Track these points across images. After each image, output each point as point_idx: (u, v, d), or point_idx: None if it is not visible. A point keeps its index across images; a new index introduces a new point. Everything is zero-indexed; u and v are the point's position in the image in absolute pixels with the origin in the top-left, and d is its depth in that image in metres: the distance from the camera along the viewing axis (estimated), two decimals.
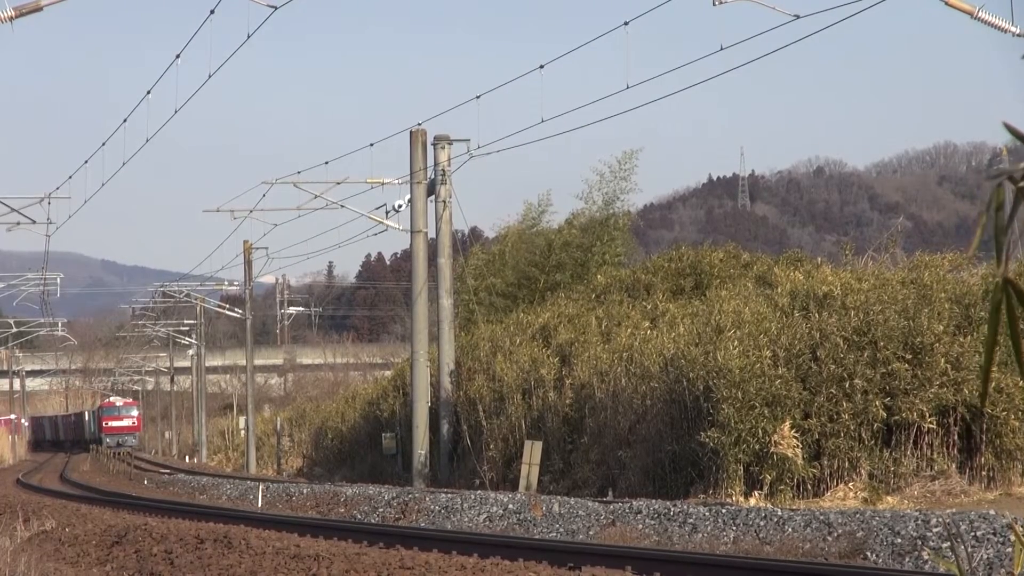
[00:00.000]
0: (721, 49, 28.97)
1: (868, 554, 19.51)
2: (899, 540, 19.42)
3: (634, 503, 26.05)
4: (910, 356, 30.92)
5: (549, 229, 56.51)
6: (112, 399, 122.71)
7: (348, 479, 49.21)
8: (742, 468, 30.47)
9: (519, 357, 42.10)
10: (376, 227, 48.44)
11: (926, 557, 17.82)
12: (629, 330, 38.71)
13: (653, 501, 26.44)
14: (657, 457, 33.34)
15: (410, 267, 46.55)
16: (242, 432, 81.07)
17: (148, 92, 36.33)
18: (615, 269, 50.90)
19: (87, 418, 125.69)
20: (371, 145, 45.62)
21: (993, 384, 29.41)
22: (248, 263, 73.31)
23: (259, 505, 40.07)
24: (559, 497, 29.29)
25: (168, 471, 68.26)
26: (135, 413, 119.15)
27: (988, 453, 30.21)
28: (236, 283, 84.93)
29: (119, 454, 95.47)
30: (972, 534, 18.68)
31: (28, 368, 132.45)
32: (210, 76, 32.56)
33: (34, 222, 51.39)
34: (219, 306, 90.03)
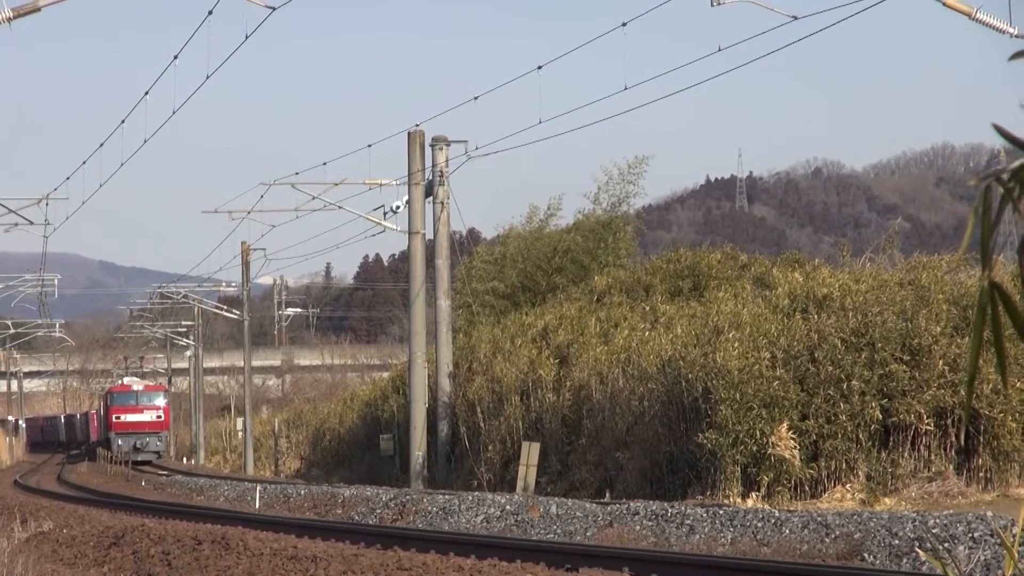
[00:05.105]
0: (719, 50, 29.04)
1: (865, 555, 19.51)
2: (896, 541, 19.43)
3: (632, 504, 26.05)
4: (908, 358, 30.93)
5: (554, 232, 56.65)
6: (126, 381, 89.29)
7: (346, 480, 49.21)
8: (740, 469, 30.48)
9: (518, 358, 42.11)
10: (374, 228, 48.50)
11: (923, 558, 17.83)
12: (627, 331, 38.73)
13: (651, 502, 26.44)
14: (655, 458, 33.35)
15: (408, 268, 46.57)
16: (240, 433, 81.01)
17: (146, 93, 36.39)
18: (615, 270, 51.00)
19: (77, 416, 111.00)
20: (369, 146, 45.74)
21: (991, 385, 29.42)
22: (246, 264, 73.34)
23: (257, 506, 40.07)
24: (557, 498, 29.29)
25: (165, 472, 68.20)
26: (161, 402, 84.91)
27: (985, 455, 30.22)
28: (234, 284, 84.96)
29: (123, 457, 72.60)
30: (969, 535, 18.69)
31: (26, 369, 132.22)
32: (208, 77, 32.63)
33: (32, 223, 51.44)
34: (217, 307, 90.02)
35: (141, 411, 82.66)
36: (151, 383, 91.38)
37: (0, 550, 20.43)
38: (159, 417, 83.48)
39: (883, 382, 30.76)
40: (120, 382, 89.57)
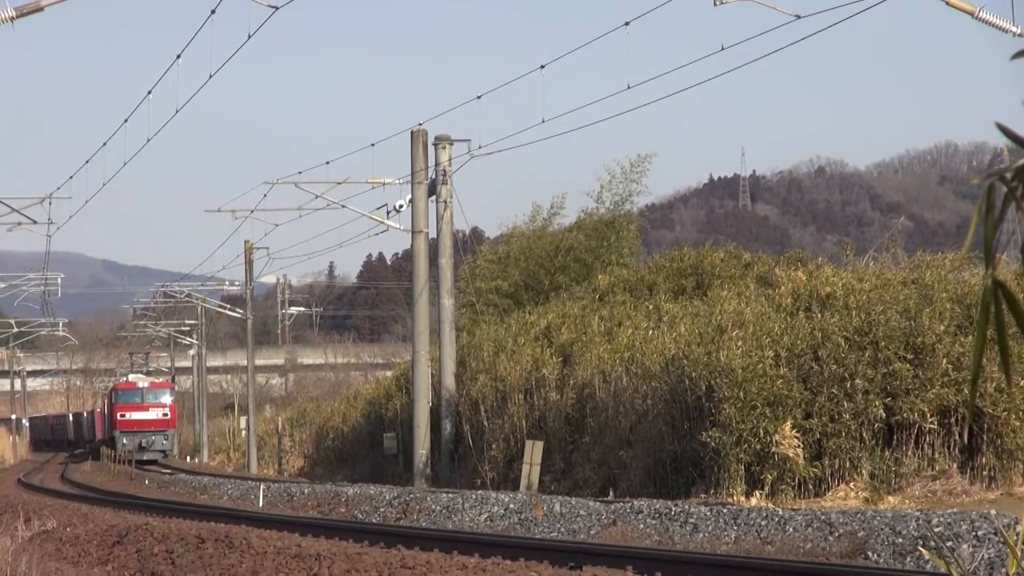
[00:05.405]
0: (722, 49, 29.01)
1: (869, 554, 19.52)
2: (900, 540, 19.43)
3: (635, 503, 26.06)
4: (911, 356, 30.93)
5: (556, 231, 56.68)
6: (131, 378, 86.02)
7: (349, 479, 49.23)
8: (743, 468, 30.49)
9: (522, 357, 42.13)
10: (377, 227, 48.51)
11: (927, 557, 17.83)
12: (631, 330, 38.75)
13: (654, 501, 26.45)
14: (658, 457, 33.36)
15: (411, 267, 46.56)
16: (243, 432, 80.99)
17: (149, 92, 36.38)
18: (618, 269, 51.01)
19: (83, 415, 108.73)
20: (372, 145, 45.75)
21: (994, 384, 29.42)
22: (249, 263, 73.34)
23: (260, 505, 40.09)
24: (560, 497, 29.30)
25: (169, 471, 68.19)
26: (167, 399, 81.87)
27: (989, 453, 30.21)
28: (237, 283, 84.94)
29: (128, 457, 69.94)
30: (973, 534, 18.69)
31: (29, 368, 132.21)
32: (211, 76, 32.62)
33: (35, 222, 51.44)
34: (220, 306, 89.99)
35: (147, 409, 79.56)
36: (157, 380, 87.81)
37: (4, 549, 20.46)
38: (165, 415, 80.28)
39: (887, 381, 30.76)
40: (125, 379, 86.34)
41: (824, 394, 30.74)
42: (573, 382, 39.11)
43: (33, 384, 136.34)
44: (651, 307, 41.44)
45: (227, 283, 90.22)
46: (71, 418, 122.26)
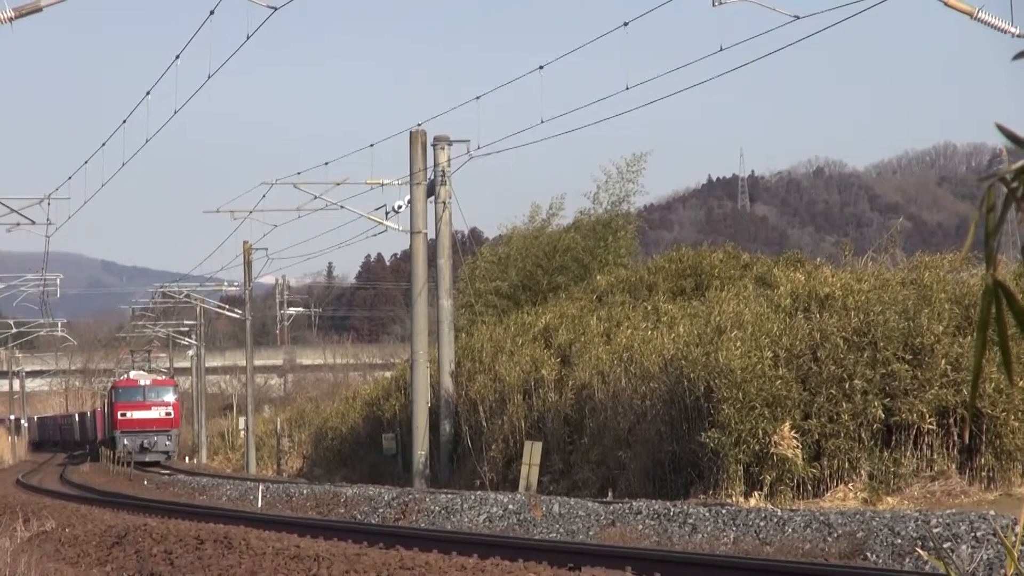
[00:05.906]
0: (721, 50, 29.01)
1: (868, 554, 19.52)
2: (899, 541, 19.43)
3: (634, 503, 26.06)
4: (910, 357, 30.95)
5: (553, 232, 56.66)
6: (133, 375, 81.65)
7: (348, 480, 49.21)
8: (742, 469, 30.50)
9: (520, 358, 42.13)
10: (376, 228, 48.51)
11: (925, 558, 17.83)
12: (629, 330, 38.75)
13: (653, 501, 26.46)
14: (657, 458, 33.36)
15: (410, 268, 46.56)
16: (242, 433, 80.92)
17: (148, 93, 36.39)
18: (616, 269, 51.01)
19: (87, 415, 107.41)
20: (371, 146, 45.76)
21: (992, 385, 29.43)
22: (248, 264, 73.31)
23: (259, 506, 40.08)
24: (559, 497, 29.30)
25: (168, 471, 68.14)
26: (170, 398, 78.00)
27: (988, 454, 30.23)
28: (236, 284, 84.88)
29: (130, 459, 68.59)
30: (972, 535, 18.69)
31: (28, 369, 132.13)
32: (209, 77, 32.62)
33: (34, 223, 51.42)
34: (219, 307, 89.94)
35: (149, 408, 76.09)
36: (159, 377, 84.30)
37: (3, 549, 20.45)
38: (168, 414, 76.85)
39: (885, 381, 30.77)
40: (125, 376, 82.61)
41: (823, 395, 30.75)
42: (572, 383, 39.11)
43: (32, 384, 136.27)
44: (650, 308, 41.45)
45: (226, 284, 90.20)
46: (77, 418, 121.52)
